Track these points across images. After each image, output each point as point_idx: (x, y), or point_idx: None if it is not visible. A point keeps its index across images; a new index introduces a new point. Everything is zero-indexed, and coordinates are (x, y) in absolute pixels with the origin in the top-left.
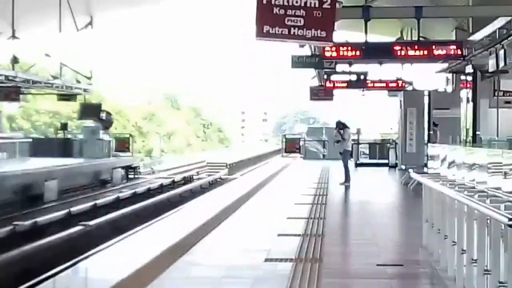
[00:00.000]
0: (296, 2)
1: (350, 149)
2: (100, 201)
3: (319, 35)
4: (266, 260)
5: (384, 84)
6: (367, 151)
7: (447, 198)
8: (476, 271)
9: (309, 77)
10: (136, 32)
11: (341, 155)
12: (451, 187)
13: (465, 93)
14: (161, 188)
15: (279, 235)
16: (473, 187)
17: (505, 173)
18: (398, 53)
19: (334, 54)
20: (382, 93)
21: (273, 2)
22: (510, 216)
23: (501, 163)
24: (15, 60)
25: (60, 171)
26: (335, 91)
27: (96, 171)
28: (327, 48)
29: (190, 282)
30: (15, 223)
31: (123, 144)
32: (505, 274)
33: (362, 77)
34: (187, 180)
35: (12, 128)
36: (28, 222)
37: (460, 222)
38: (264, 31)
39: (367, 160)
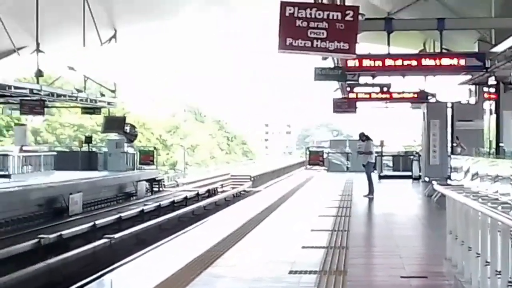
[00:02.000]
0: (319, 14)
1: (373, 161)
2: (124, 214)
3: (342, 47)
4: (291, 272)
5: (408, 96)
6: (390, 163)
7: (471, 210)
8: (500, 282)
9: (332, 89)
10: (160, 45)
11: (365, 167)
12: (474, 198)
13: (488, 105)
14: (186, 201)
15: (303, 247)
16: (497, 199)
17: None
18: (421, 64)
19: (357, 65)
20: (405, 105)
21: (295, 15)
22: None
23: None
24: (39, 74)
25: (84, 184)
26: (358, 103)
27: (121, 184)
28: (350, 60)
29: None
30: (40, 236)
31: (147, 157)
32: None
33: (385, 89)
34: (211, 192)
35: (37, 141)
36: (53, 235)
37: (484, 233)
38: (287, 43)
39: (391, 173)
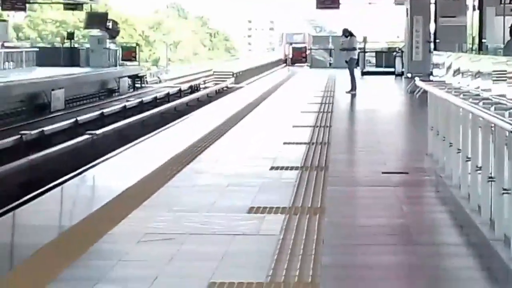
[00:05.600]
0: None
1: (356, 57)
2: (107, 110)
3: None
4: (272, 168)
5: None
6: (373, 60)
7: (452, 106)
8: (481, 178)
9: None
10: None
11: (347, 63)
12: (456, 94)
13: (472, 1)
14: (168, 97)
15: (284, 143)
16: (478, 95)
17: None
18: None
19: None
20: (388, 1)
21: None
22: None
23: (506, 71)
24: None
25: (66, 80)
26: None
27: (103, 80)
28: None
29: (197, 190)
30: (22, 132)
31: (129, 53)
32: (509, 181)
33: None
34: (194, 89)
35: (18, 37)
36: (35, 131)
37: (465, 129)
38: None
39: (374, 69)
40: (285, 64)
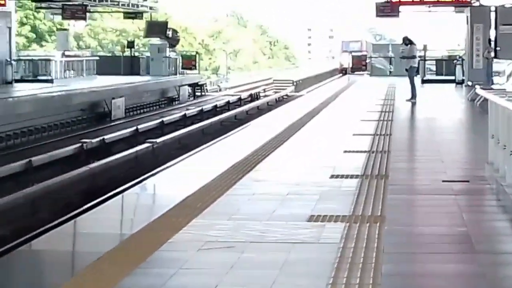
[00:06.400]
0: None
1: (416, 65)
2: (167, 119)
3: None
4: (332, 176)
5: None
6: (433, 68)
7: None
8: None
9: None
10: None
11: (407, 71)
12: None
13: None
14: (228, 105)
15: (345, 151)
16: None
17: None
18: None
19: None
20: (448, 9)
21: None
22: None
23: None
24: None
25: (127, 89)
26: (401, 7)
27: (163, 89)
28: None
29: (256, 199)
30: (83, 140)
31: (189, 62)
32: None
33: None
34: (254, 97)
35: (79, 46)
36: (96, 140)
37: None
38: None
39: (434, 77)
40: (341, 75)
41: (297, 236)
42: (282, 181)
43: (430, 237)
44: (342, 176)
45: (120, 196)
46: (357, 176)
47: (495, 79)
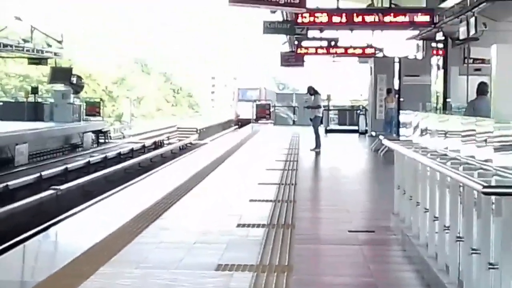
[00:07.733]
0: None
1: (321, 115)
2: (71, 165)
3: (292, 1)
4: (239, 225)
5: (355, 51)
6: (336, 118)
7: (419, 165)
8: (449, 237)
9: (280, 43)
10: None
11: (312, 121)
12: (423, 154)
13: (436, 60)
14: (132, 153)
15: (250, 200)
16: (446, 155)
17: (479, 141)
18: (369, 19)
19: (307, 20)
20: (352, 59)
21: None
22: (485, 184)
23: (475, 130)
24: None
25: (30, 135)
26: (305, 57)
27: (67, 135)
28: (300, 14)
29: (163, 247)
30: None
31: (93, 109)
32: (477, 241)
33: (332, 43)
34: (158, 144)
35: None
36: None
37: (432, 189)
38: None
39: (337, 127)
40: (236, 127)
41: (205, 285)
42: (189, 230)
43: (337, 287)
44: (248, 225)
45: (24, 244)
46: (263, 225)
47: (402, 130)
